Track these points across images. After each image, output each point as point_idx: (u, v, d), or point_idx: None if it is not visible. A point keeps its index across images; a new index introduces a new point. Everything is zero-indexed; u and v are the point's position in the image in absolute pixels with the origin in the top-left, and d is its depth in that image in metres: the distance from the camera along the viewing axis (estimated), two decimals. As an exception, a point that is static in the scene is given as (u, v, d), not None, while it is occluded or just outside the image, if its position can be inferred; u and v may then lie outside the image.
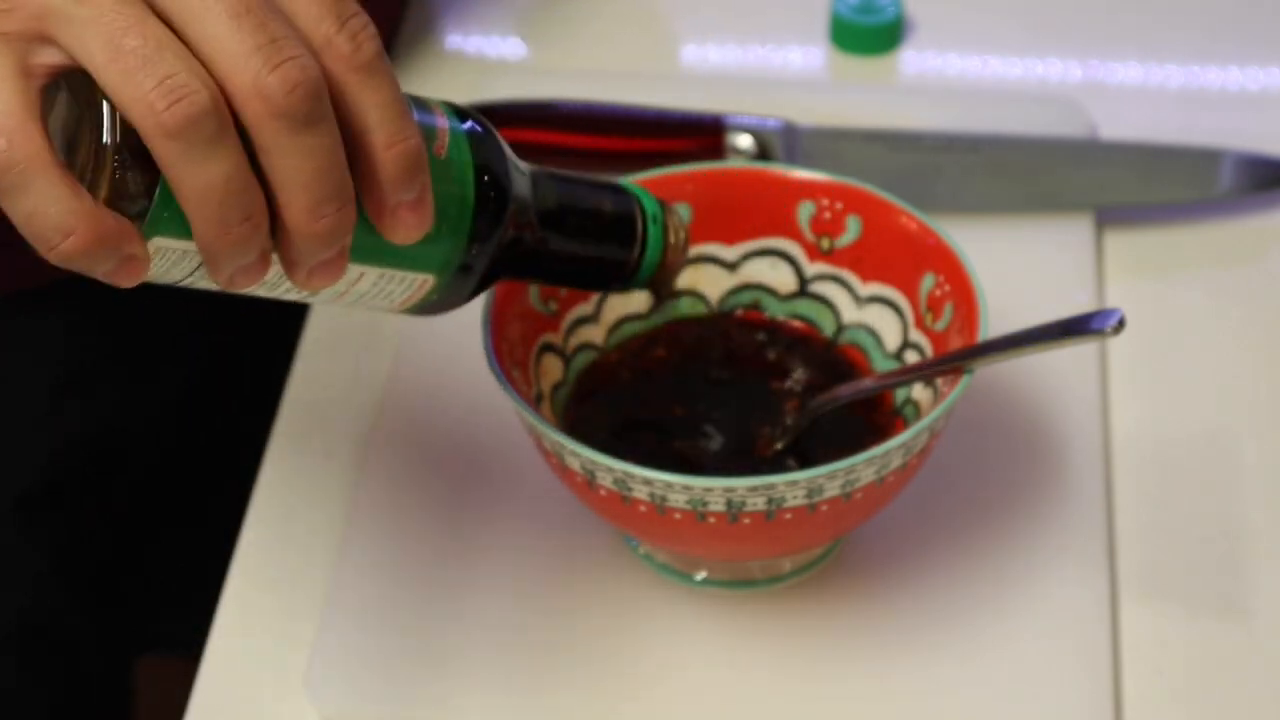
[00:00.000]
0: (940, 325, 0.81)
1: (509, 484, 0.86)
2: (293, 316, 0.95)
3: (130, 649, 1.39)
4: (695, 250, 0.85)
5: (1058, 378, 0.89)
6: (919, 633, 0.80)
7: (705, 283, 0.86)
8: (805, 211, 0.84)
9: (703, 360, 0.84)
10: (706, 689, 0.79)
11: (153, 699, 1.41)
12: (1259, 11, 1.12)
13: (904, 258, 0.83)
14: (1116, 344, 0.92)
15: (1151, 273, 0.96)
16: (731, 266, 0.86)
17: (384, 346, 0.92)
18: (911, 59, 1.09)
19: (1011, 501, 0.84)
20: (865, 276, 0.84)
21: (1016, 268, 0.89)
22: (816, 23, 1.10)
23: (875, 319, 0.84)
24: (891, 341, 0.84)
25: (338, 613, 0.81)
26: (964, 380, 0.75)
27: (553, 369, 0.81)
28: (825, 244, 0.85)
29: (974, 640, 0.80)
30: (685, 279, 0.85)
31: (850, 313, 0.85)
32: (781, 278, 0.86)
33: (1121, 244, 0.97)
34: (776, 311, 0.86)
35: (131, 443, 1.09)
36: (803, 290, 0.86)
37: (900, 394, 0.81)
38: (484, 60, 1.09)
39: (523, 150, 0.98)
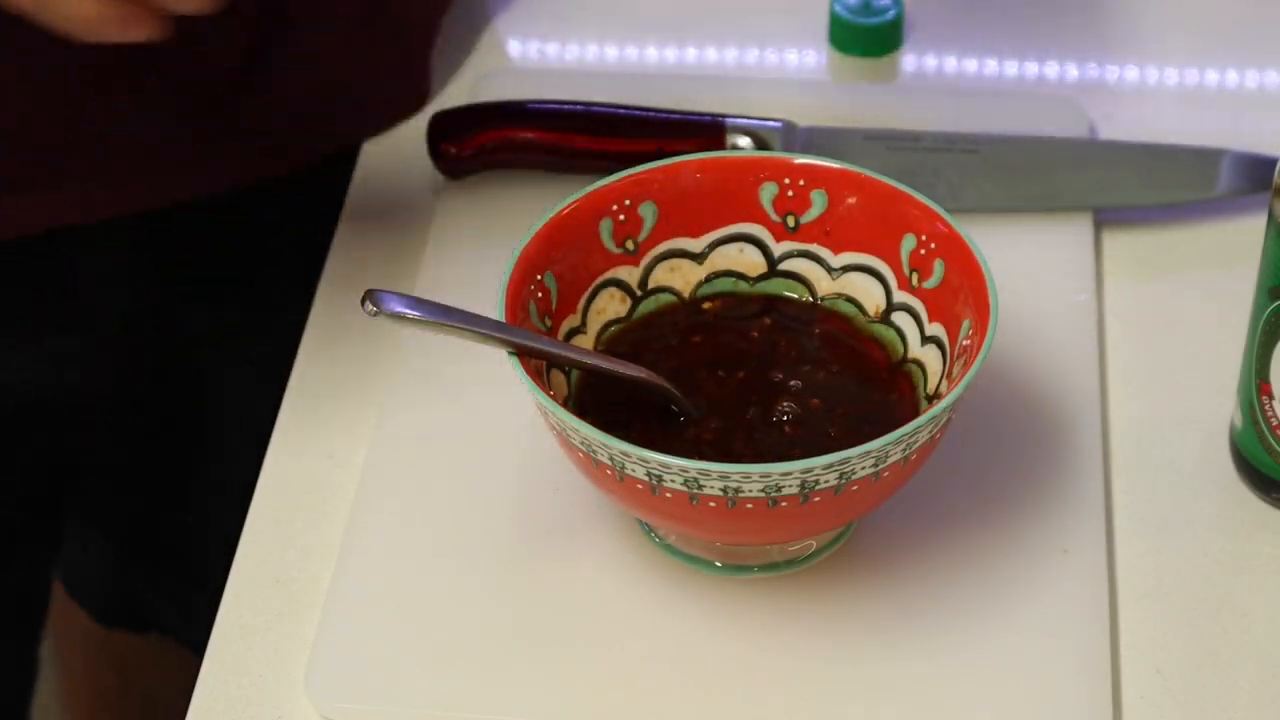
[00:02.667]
0: (932, 283, 0.82)
1: (510, 482, 0.86)
2: (292, 318, 0.96)
3: (131, 648, 1.39)
4: (663, 247, 0.86)
5: (1057, 378, 0.89)
6: (921, 628, 0.80)
7: (675, 278, 0.86)
8: (768, 193, 0.85)
9: (688, 347, 0.85)
10: (720, 674, 0.79)
11: (154, 698, 1.41)
12: (1259, 11, 1.12)
13: (876, 224, 0.84)
14: (1116, 344, 0.92)
15: (1150, 273, 0.96)
16: (699, 258, 0.86)
17: (384, 345, 0.92)
18: (911, 59, 1.09)
19: (1011, 502, 0.84)
20: (837, 248, 0.85)
21: (1015, 268, 0.89)
22: (816, 23, 1.10)
23: (852, 288, 0.85)
24: (874, 307, 0.84)
25: (338, 613, 0.81)
26: (983, 351, 0.76)
27: (558, 383, 0.81)
28: (791, 221, 0.85)
29: (974, 640, 0.80)
30: (658, 277, 0.86)
31: (825, 284, 0.86)
32: (750, 261, 0.86)
33: (1120, 244, 0.97)
34: (747, 294, 0.87)
35: (130, 444, 1.09)
36: (772, 270, 0.86)
37: (898, 351, 0.83)
38: (483, 61, 1.09)
39: (522, 149, 0.99)
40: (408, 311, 0.75)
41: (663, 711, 0.78)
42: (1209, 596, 0.83)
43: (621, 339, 0.85)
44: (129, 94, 0.94)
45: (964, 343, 0.79)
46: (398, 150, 1.03)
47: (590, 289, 0.84)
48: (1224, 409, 0.88)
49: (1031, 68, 1.09)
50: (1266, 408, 0.83)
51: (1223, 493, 0.86)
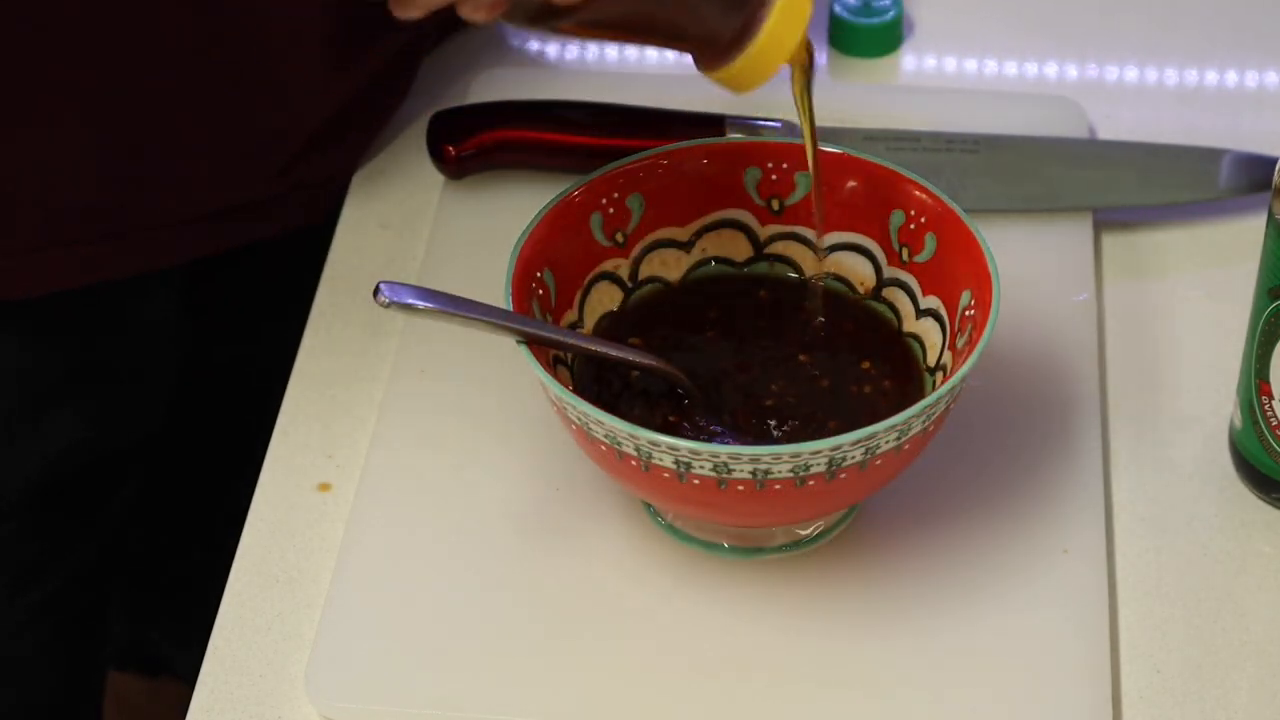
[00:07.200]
0: (923, 257, 0.83)
1: (510, 481, 0.86)
2: (292, 317, 0.96)
3: (130, 649, 1.39)
4: (651, 238, 0.86)
5: (1056, 379, 0.89)
6: (921, 629, 0.80)
7: (664, 268, 0.86)
8: (751, 178, 0.85)
9: (685, 331, 0.85)
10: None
11: (154, 699, 1.42)
12: (1258, 12, 1.12)
13: (862, 202, 0.84)
14: (1115, 344, 0.92)
15: (1150, 273, 0.96)
16: (686, 246, 0.86)
17: (385, 345, 0.92)
18: (911, 59, 1.09)
19: (1011, 501, 0.84)
20: (823, 229, 0.85)
21: (1015, 268, 0.89)
22: (816, 23, 1.10)
23: (841, 266, 0.86)
24: (865, 284, 0.85)
25: (338, 613, 0.81)
26: (984, 339, 0.76)
27: (561, 377, 0.81)
28: (776, 205, 0.85)
29: (974, 640, 0.80)
30: (648, 268, 0.86)
31: (812, 265, 0.86)
32: (737, 246, 0.87)
33: (1119, 243, 0.97)
34: (736, 277, 0.87)
35: (128, 446, 1.09)
36: (759, 254, 0.87)
37: (891, 326, 0.84)
38: (483, 60, 1.09)
39: (522, 149, 0.99)
40: (418, 302, 0.75)
41: (670, 700, 0.78)
42: (1209, 596, 0.83)
43: (618, 328, 0.85)
44: (176, 155, 0.95)
45: (967, 313, 0.80)
46: (398, 150, 1.03)
47: (585, 283, 0.84)
48: (1224, 409, 0.88)
49: (1031, 68, 1.09)
50: (1266, 408, 0.83)
51: (1223, 493, 0.86)
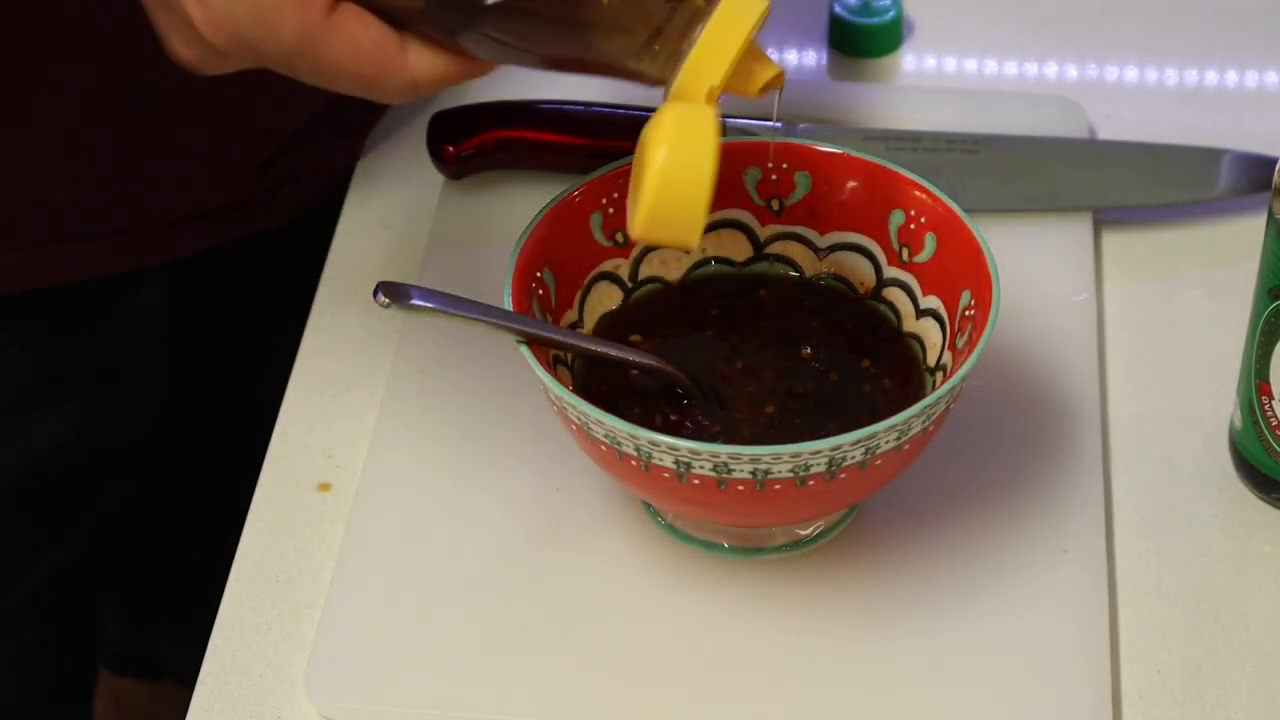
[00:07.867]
0: (923, 257, 0.83)
1: (510, 481, 0.86)
2: (292, 317, 0.96)
3: (129, 649, 1.39)
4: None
5: (1056, 379, 0.89)
6: (920, 629, 0.80)
7: (664, 268, 0.86)
8: (751, 177, 0.85)
9: (685, 330, 0.85)
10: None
11: (155, 702, 1.42)
12: (1258, 12, 1.12)
13: (863, 202, 0.84)
14: (1115, 344, 0.92)
15: (1150, 273, 0.96)
16: None
17: (385, 345, 0.93)
18: (911, 59, 1.09)
19: (1011, 501, 0.84)
20: (823, 228, 0.86)
21: (1015, 268, 0.89)
22: (816, 23, 1.10)
23: (841, 266, 0.86)
24: (865, 283, 0.85)
25: (338, 613, 0.81)
26: (984, 338, 0.76)
27: (562, 377, 0.82)
28: (776, 205, 0.86)
29: (974, 640, 0.80)
30: (647, 268, 0.86)
31: (811, 265, 0.86)
32: (737, 246, 0.87)
33: (1119, 244, 0.97)
34: (736, 275, 0.87)
35: (127, 445, 1.09)
36: (759, 254, 0.87)
37: (891, 325, 0.84)
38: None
39: (522, 149, 0.99)
40: (420, 302, 0.75)
41: (670, 700, 0.78)
42: (1209, 596, 0.83)
43: (618, 328, 0.85)
44: (174, 154, 0.95)
45: (967, 313, 0.80)
46: (398, 150, 1.03)
47: (585, 283, 0.84)
48: (1224, 409, 0.88)
49: (1031, 68, 1.09)
50: (1266, 408, 0.83)
51: (1223, 493, 0.86)
